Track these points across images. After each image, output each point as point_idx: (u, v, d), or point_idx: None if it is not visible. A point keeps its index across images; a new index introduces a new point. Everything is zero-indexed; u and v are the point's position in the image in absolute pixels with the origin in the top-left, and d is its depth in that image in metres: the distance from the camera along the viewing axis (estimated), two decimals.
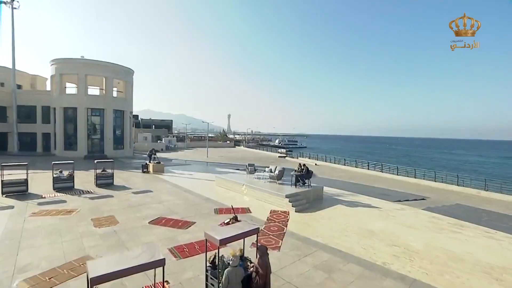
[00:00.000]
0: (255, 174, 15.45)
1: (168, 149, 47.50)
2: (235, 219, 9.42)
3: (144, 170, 20.09)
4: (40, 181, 15.05)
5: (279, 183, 14.06)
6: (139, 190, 14.07)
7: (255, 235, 5.36)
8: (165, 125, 79.64)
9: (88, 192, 13.21)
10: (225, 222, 9.34)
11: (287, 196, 11.61)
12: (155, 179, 17.51)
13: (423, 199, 15.51)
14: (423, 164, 53.50)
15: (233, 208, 9.97)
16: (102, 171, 15.08)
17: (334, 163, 33.74)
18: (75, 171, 14.26)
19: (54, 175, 13.51)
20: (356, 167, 29.83)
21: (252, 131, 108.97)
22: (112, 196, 12.51)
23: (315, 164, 35.57)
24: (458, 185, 19.04)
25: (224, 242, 4.42)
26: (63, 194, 12.55)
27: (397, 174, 23.68)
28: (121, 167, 21.84)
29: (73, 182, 13.86)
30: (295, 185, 13.22)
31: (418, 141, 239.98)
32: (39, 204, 10.93)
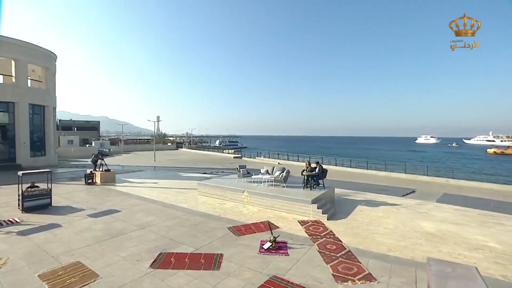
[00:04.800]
0: (253, 177, 12.81)
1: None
2: (275, 241, 6.82)
3: (89, 180, 15.00)
4: None
5: (285, 187, 11.81)
6: (98, 210, 9.78)
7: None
8: (91, 127, 67.61)
9: (11, 222, 8.31)
10: (265, 247, 6.63)
11: (314, 202, 9.48)
12: (110, 193, 12.96)
13: (413, 191, 15.60)
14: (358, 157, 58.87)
15: (270, 225, 7.28)
16: (30, 187, 10.04)
17: (297, 161, 33.26)
18: None
19: None
20: (322, 164, 29.78)
21: (187, 132, 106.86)
22: (59, 226, 8.08)
23: (278, 163, 34.67)
24: (427, 175, 20.33)
25: None
26: None
27: (367, 169, 24.30)
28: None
29: None
30: (310, 188, 11.22)
31: (342, 139, 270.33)
32: None
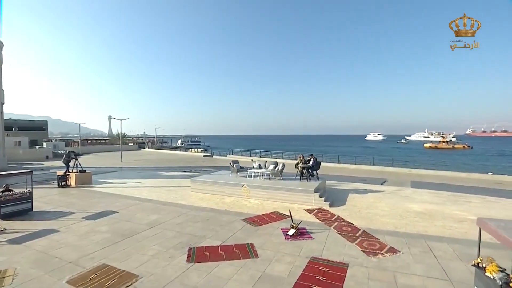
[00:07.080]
0: (248, 171, 12.95)
1: (56, 156, 35.31)
2: (297, 228, 7.15)
3: (63, 183, 13.55)
4: None
5: (281, 179, 12.19)
6: (92, 212, 9.00)
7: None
8: (37, 127, 59.74)
9: None
10: (290, 234, 6.93)
11: (315, 191, 10.04)
12: (93, 194, 11.91)
13: (386, 180, 17.27)
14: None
15: (291, 215, 7.56)
16: (4, 191, 8.78)
17: (271, 157, 33.98)
18: None
19: None
20: (295, 159, 30.99)
21: (144, 132, 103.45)
22: (56, 231, 7.27)
23: (252, 160, 35.02)
24: (393, 166, 22.62)
25: None
26: None
27: (338, 162, 26.02)
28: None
29: None
30: (306, 179, 11.77)
31: (298, 138, 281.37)
32: None
